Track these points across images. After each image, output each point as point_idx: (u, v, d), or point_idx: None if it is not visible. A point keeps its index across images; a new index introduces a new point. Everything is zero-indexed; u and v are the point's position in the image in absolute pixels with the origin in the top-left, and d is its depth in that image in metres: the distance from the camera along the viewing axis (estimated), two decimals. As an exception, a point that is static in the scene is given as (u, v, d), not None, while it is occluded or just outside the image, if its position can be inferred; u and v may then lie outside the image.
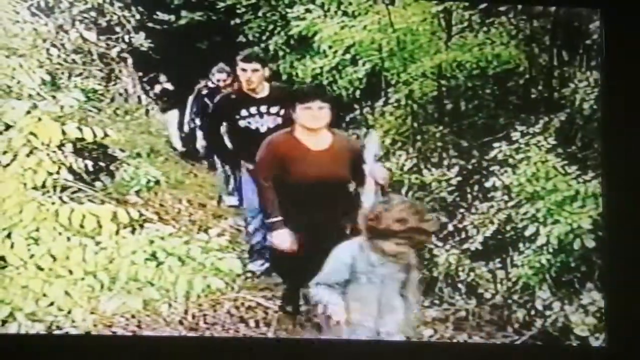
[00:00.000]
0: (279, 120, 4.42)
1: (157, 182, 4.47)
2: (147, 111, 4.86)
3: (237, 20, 5.00)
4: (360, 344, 3.54)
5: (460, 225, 4.29)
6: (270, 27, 5.03)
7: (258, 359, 3.59)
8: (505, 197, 4.23)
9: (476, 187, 4.41)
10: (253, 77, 4.44)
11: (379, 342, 3.50)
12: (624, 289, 3.52)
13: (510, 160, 4.25)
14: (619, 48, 3.67)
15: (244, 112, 4.44)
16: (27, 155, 3.57)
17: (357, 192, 4.03)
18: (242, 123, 4.45)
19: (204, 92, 5.03)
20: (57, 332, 3.49)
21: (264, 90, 4.49)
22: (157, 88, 5.00)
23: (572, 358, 3.65)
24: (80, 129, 3.66)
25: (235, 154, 4.57)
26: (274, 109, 4.44)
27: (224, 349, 3.67)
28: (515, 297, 4.03)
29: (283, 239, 3.96)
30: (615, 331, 3.47)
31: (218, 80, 4.91)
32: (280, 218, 3.95)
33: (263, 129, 4.41)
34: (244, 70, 4.44)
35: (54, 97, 3.95)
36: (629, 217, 3.62)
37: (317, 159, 3.98)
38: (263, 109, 4.45)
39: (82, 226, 3.54)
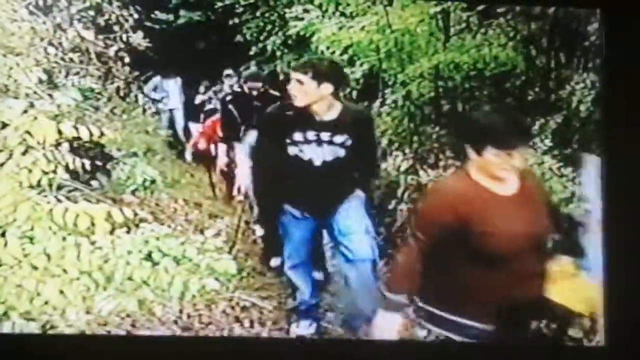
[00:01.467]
0: (341, 152, 3.62)
1: (154, 182, 4.46)
2: (144, 110, 4.85)
3: (236, 20, 5.00)
4: (357, 343, 3.53)
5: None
6: (269, 27, 5.04)
7: (256, 358, 3.57)
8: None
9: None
10: (294, 90, 3.59)
11: (377, 341, 3.49)
12: (623, 288, 3.50)
13: (507, 162, 4.23)
14: (618, 48, 3.65)
15: (297, 136, 3.59)
16: (23, 154, 3.55)
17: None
18: (292, 150, 3.61)
19: (228, 97, 4.76)
20: (51, 331, 3.47)
21: (331, 111, 3.61)
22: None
23: (570, 357, 3.63)
24: (76, 128, 3.63)
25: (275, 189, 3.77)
26: (339, 138, 3.60)
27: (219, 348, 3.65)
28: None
29: (389, 326, 2.98)
30: (614, 330, 3.45)
31: (251, 90, 4.62)
32: (404, 300, 2.92)
33: (318, 162, 3.62)
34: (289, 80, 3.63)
35: (50, 95, 3.93)
36: (626, 218, 3.60)
37: (508, 208, 2.85)
38: (325, 135, 3.59)
39: (75, 225, 3.51)
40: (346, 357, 3.46)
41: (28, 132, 3.55)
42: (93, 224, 3.55)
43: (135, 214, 3.72)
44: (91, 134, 3.69)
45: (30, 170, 3.54)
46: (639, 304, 3.41)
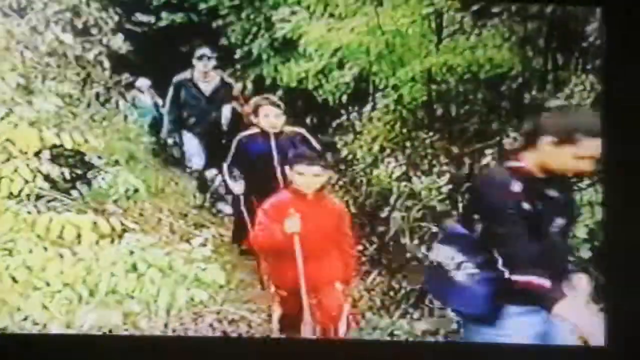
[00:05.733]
0: None
1: (137, 191, 4.46)
2: (125, 117, 4.85)
3: (220, 22, 5.02)
4: (357, 344, 3.56)
5: (451, 235, 4.30)
6: (254, 29, 5.04)
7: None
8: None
9: (467, 195, 4.41)
10: None
11: (377, 341, 3.52)
12: (624, 290, 3.55)
13: (503, 168, 4.27)
14: (620, 48, 3.69)
15: None
16: (3, 163, 3.56)
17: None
18: None
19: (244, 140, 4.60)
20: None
21: None
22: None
23: (570, 357, 3.68)
24: (58, 136, 3.64)
25: None
26: None
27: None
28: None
29: None
30: (614, 330, 3.50)
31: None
32: None
33: None
34: None
35: (28, 102, 3.94)
36: (627, 220, 3.65)
37: None
38: None
39: (61, 237, 3.52)
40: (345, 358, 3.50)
41: (9, 140, 3.56)
42: (79, 236, 3.56)
43: (122, 224, 3.73)
44: (74, 142, 3.70)
45: (11, 180, 3.55)
46: (639, 305, 3.47)
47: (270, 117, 4.48)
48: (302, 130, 4.58)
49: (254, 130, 4.54)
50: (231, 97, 4.97)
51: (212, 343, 3.80)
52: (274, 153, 4.44)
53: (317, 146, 4.52)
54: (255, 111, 4.52)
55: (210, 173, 4.95)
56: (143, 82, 4.93)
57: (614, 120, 3.53)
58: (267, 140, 4.46)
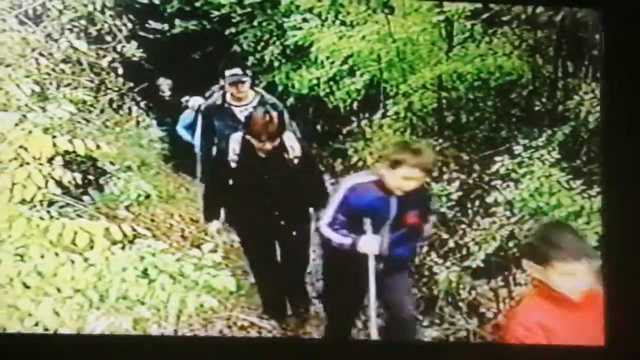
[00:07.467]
0: None
1: (148, 197, 4.47)
2: (137, 123, 4.87)
3: (232, 30, 5.04)
4: (359, 344, 3.56)
5: (461, 242, 4.30)
6: (266, 36, 5.06)
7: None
8: (508, 213, 4.25)
9: (477, 203, 4.42)
10: None
11: (378, 341, 3.52)
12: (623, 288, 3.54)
13: (513, 175, 4.27)
14: (622, 55, 3.68)
15: None
16: (16, 169, 3.58)
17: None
18: None
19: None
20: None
21: None
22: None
23: (570, 357, 3.67)
24: (71, 142, 3.65)
25: None
26: None
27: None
28: (519, 316, 4.04)
29: None
30: (614, 330, 3.49)
31: None
32: None
33: None
34: None
35: (42, 108, 3.96)
36: (629, 222, 3.64)
37: None
38: None
39: (74, 243, 3.53)
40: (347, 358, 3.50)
41: (23, 147, 3.58)
42: (92, 241, 3.57)
43: (134, 230, 3.74)
44: (87, 148, 3.71)
45: (24, 186, 3.56)
46: (639, 304, 3.46)
47: (411, 182, 3.46)
48: (424, 185, 3.71)
49: (368, 177, 3.60)
50: None
51: (221, 344, 3.80)
52: (391, 216, 3.54)
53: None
54: (393, 165, 3.45)
55: (210, 228, 4.26)
56: (196, 102, 4.86)
57: (616, 124, 3.52)
58: (384, 196, 3.51)
